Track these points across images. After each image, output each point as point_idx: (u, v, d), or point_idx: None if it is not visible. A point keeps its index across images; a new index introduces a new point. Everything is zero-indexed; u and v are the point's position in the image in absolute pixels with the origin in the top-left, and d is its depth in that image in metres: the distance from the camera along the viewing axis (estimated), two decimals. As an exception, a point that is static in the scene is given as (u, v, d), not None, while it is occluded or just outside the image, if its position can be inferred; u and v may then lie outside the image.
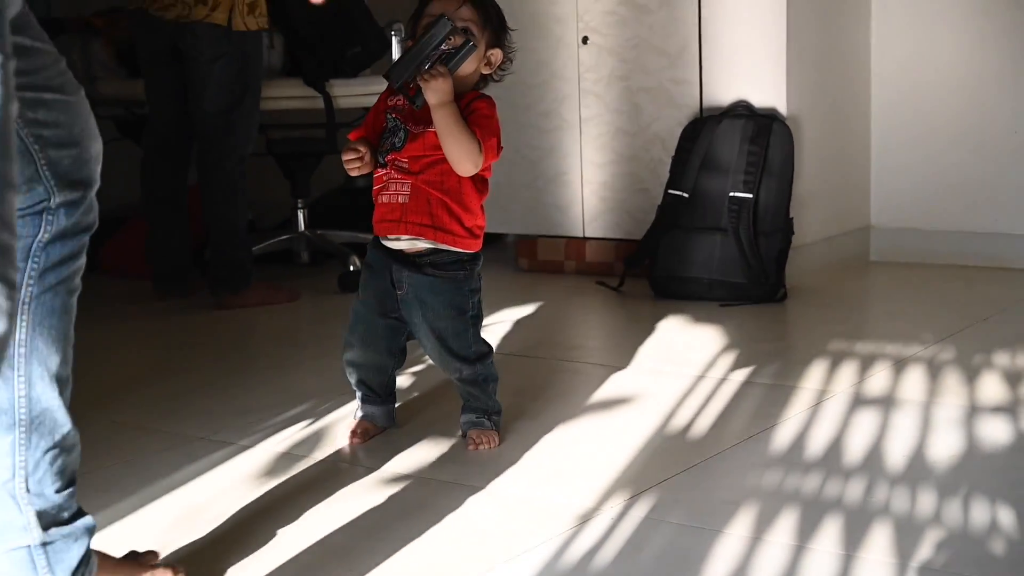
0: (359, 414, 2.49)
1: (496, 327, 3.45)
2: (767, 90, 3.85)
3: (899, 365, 2.83)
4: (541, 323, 3.58)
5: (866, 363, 2.85)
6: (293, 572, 1.85)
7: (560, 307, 3.83)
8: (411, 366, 2.93)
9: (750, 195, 3.69)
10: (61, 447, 1.62)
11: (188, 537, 1.99)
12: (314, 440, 2.49)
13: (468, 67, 2.26)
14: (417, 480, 2.22)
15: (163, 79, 3.90)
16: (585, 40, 4.13)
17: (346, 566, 1.86)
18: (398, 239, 2.32)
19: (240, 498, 2.17)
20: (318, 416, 2.65)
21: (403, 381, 2.83)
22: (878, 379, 2.72)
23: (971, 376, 2.71)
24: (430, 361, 2.70)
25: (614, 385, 2.79)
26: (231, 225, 3.85)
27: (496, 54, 2.33)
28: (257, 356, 3.39)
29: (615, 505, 2.03)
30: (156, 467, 2.35)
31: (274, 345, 3.52)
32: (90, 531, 1.68)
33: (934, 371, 2.77)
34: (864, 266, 4.25)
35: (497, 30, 2.33)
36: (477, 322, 2.38)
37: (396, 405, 2.54)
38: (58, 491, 1.62)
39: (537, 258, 4.36)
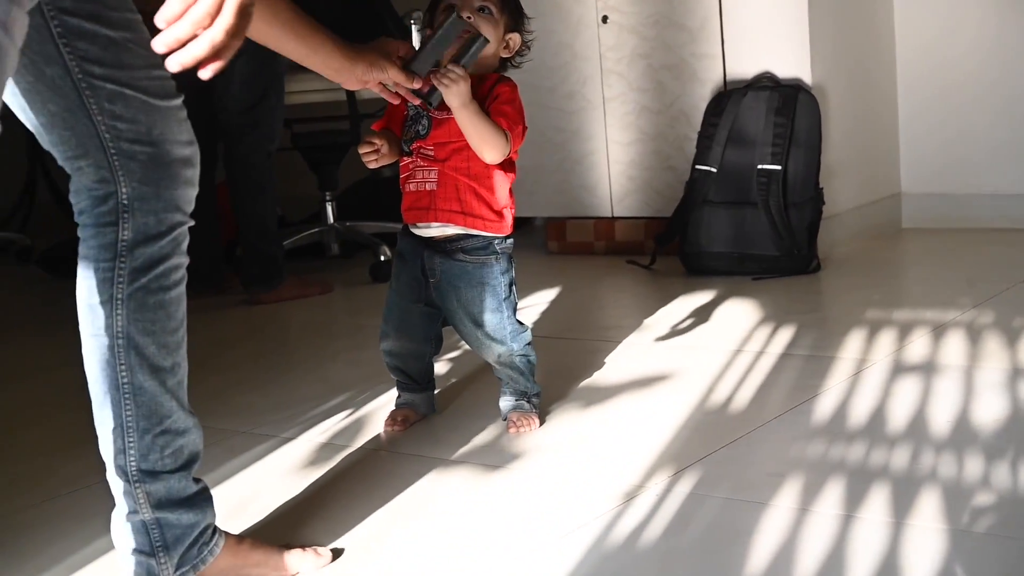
0: (399, 402, 2.49)
1: (529, 310, 3.45)
2: (791, 61, 3.83)
3: (938, 331, 2.81)
4: (574, 304, 3.58)
5: (904, 330, 2.84)
6: (343, 560, 1.86)
7: (592, 288, 3.83)
8: (447, 352, 2.93)
9: (779, 167, 3.68)
10: (169, 430, 1.68)
11: (236, 531, 2.00)
12: (355, 429, 2.50)
13: (487, 50, 2.25)
14: (460, 465, 2.22)
15: (185, 78, 3.90)
16: (605, 19, 4.12)
17: (395, 551, 1.87)
18: (428, 227, 2.32)
19: (285, 490, 2.18)
20: (357, 406, 2.65)
21: (440, 368, 2.84)
22: (917, 346, 2.70)
23: (1012, 339, 2.69)
24: (466, 347, 2.70)
25: (651, 363, 2.79)
26: (261, 221, 3.86)
27: (514, 38, 2.32)
28: (293, 350, 3.40)
29: (660, 482, 2.03)
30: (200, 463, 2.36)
31: (309, 338, 3.53)
32: (208, 512, 1.75)
33: (974, 336, 2.75)
34: (896, 233, 4.22)
35: (515, 14, 2.33)
36: (512, 304, 2.37)
37: (435, 392, 2.54)
38: (171, 471, 1.69)
39: (567, 240, 4.36)
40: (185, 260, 1.71)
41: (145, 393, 1.66)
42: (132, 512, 1.69)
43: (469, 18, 2.22)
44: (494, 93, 2.26)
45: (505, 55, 2.34)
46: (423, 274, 2.35)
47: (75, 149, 1.62)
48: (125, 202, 1.63)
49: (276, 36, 1.82)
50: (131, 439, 1.67)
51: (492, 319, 2.34)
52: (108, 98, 1.60)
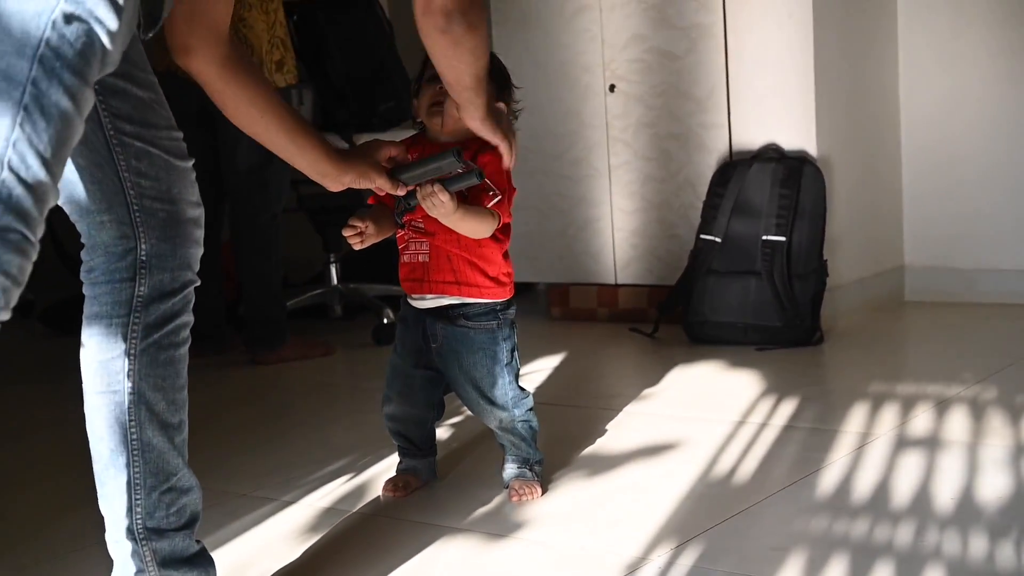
0: (400, 467, 2.48)
1: (531, 376, 3.44)
2: (797, 132, 3.86)
3: (941, 406, 2.80)
4: (576, 371, 3.57)
5: (908, 405, 2.83)
6: (342, 629, 1.85)
7: (595, 355, 3.82)
8: (450, 417, 2.92)
9: (783, 238, 3.69)
10: (175, 488, 1.70)
11: (235, 595, 1.99)
12: (357, 494, 2.48)
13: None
14: (462, 532, 2.21)
15: (193, 139, 3.91)
16: (612, 88, 4.15)
17: (395, 622, 1.85)
18: (423, 298, 2.33)
19: (285, 554, 2.17)
20: (359, 470, 2.64)
21: (443, 433, 2.83)
22: (921, 420, 2.70)
23: (1016, 415, 2.68)
24: (468, 412, 2.70)
25: (654, 432, 2.78)
26: (266, 282, 3.87)
27: (500, 106, 2.29)
28: (295, 411, 3.39)
29: (663, 554, 2.01)
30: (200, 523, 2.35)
31: (311, 400, 3.52)
32: (211, 571, 1.76)
33: (977, 411, 2.74)
34: (899, 306, 4.23)
35: (500, 84, 2.31)
36: (513, 370, 2.37)
37: (437, 457, 2.53)
38: (175, 530, 1.70)
39: (569, 306, 4.36)
40: (192, 319, 1.74)
41: (153, 450, 1.67)
42: (138, 572, 1.69)
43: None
44: (480, 161, 2.25)
45: None
46: (424, 340, 2.35)
47: (99, 204, 1.64)
48: (144, 258, 1.66)
49: (266, 131, 1.84)
50: (138, 496, 1.67)
51: (493, 385, 2.33)
52: (135, 155, 1.64)
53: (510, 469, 2.41)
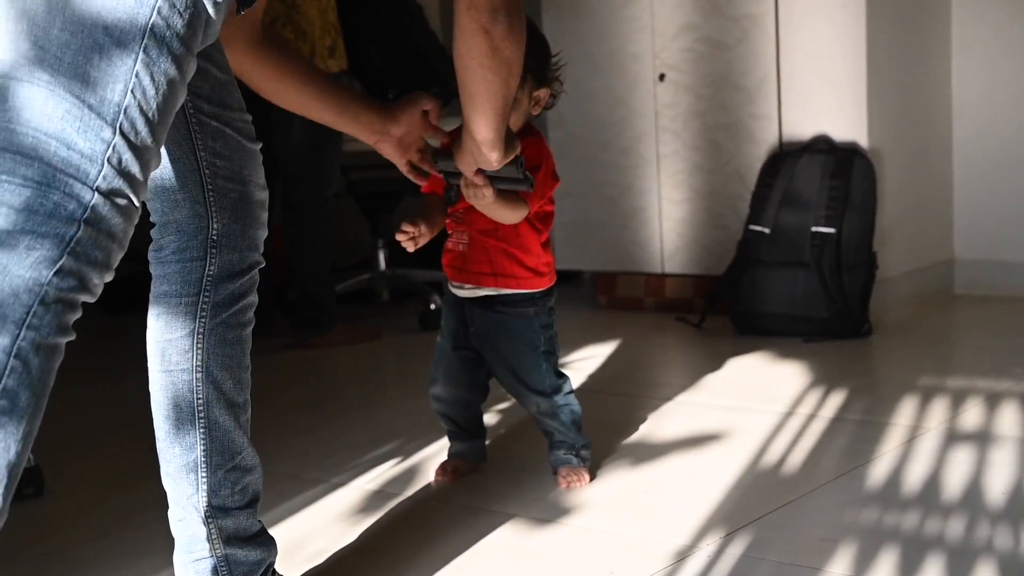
0: (450, 452, 2.50)
1: (577, 364, 3.45)
2: (847, 124, 3.84)
3: (992, 400, 2.79)
4: (623, 360, 3.58)
5: (958, 398, 2.82)
6: (393, 610, 1.86)
7: (641, 343, 3.82)
8: (499, 402, 2.93)
9: (833, 230, 3.67)
10: (240, 467, 1.73)
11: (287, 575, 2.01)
12: (406, 478, 2.50)
13: (516, 121, 2.22)
14: (511, 518, 2.22)
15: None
16: (662, 77, 4.14)
17: (445, 604, 1.87)
18: (462, 287, 2.35)
19: (336, 536, 2.19)
20: (408, 454, 2.66)
21: (491, 418, 2.84)
22: (972, 414, 2.68)
23: (1067, 411, 2.67)
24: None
25: (701, 422, 2.78)
26: (316, 266, 3.90)
27: (542, 94, 2.27)
28: (343, 395, 3.41)
29: (711, 542, 2.02)
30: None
31: (359, 384, 3.55)
32: (272, 550, 1.79)
33: (1028, 406, 2.73)
34: (948, 299, 4.20)
35: (540, 70, 2.26)
36: (551, 356, 2.37)
37: (487, 441, 2.54)
38: (240, 508, 1.73)
39: (616, 294, 4.36)
40: (256, 300, 1.76)
41: (220, 428, 1.70)
42: (200, 550, 1.71)
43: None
44: (522, 146, 2.21)
45: (535, 112, 2.30)
46: (463, 323, 2.37)
47: (175, 181, 1.67)
48: (215, 237, 1.68)
49: (307, 103, 1.98)
50: (204, 474, 1.70)
51: (530, 370, 2.34)
52: (212, 135, 1.66)
53: (556, 455, 2.42)
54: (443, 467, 2.47)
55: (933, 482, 2.26)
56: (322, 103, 2.01)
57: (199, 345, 1.68)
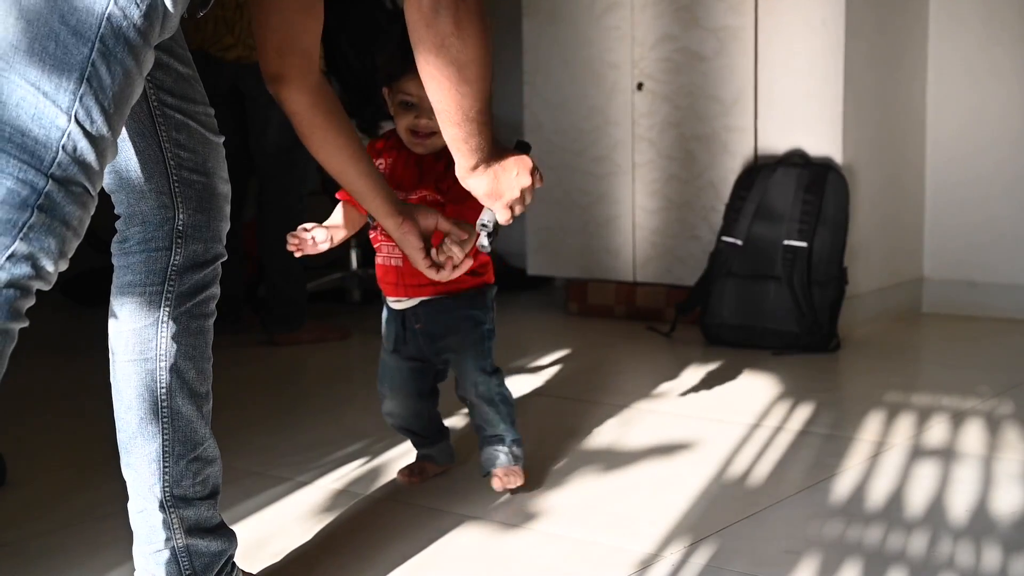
0: (418, 454, 2.49)
1: (547, 370, 3.45)
2: (823, 139, 3.86)
3: (957, 418, 2.81)
4: (592, 367, 3.58)
5: (923, 415, 2.84)
6: (354, 610, 1.86)
7: (610, 351, 3.83)
8: (462, 407, 2.93)
9: (805, 244, 3.69)
10: (201, 458, 1.73)
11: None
12: (370, 478, 2.49)
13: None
14: (476, 521, 2.22)
15: (223, 117, 3.94)
16: (640, 86, 4.15)
17: (407, 605, 1.86)
18: (399, 301, 2.31)
19: (299, 534, 2.18)
20: (374, 454, 2.65)
21: (458, 421, 2.84)
22: (936, 432, 2.70)
23: (1031, 431, 2.69)
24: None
25: (668, 431, 2.78)
26: (288, 263, 3.89)
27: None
28: (310, 393, 3.40)
29: (676, 551, 2.02)
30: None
31: (327, 382, 3.54)
32: (232, 542, 1.79)
33: (993, 425, 2.74)
34: (916, 318, 4.22)
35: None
36: (492, 337, 2.35)
37: (451, 440, 2.53)
38: (201, 499, 1.73)
39: (587, 302, 4.37)
40: (219, 292, 1.78)
41: (183, 418, 1.70)
42: (164, 540, 1.71)
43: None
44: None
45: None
46: (405, 328, 2.33)
47: (141, 173, 1.68)
48: (181, 228, 1.69)
49: (343, 164, 1.95)
50: (167, 464, 1.70)
51: (474, 345, 2.30)
52: (176, 127, 1.67)
53: (488, 452, 2.35)
54: (410, 469, 2.47)
55: (897, 497, 2.27)
56: (355, 171, 1.95)
57: (163, 334, 1.69)
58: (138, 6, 1.39)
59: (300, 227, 2.19)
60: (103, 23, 1.36)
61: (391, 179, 2.25)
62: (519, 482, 2.32)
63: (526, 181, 1.90)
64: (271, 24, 1.79)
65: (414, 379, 2.39)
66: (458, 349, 2.32)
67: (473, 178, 1.86)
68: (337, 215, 2.26)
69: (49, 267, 1.37)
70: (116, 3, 1.37)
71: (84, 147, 1.37)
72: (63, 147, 1.35)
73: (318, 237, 2.18)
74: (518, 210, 1.95)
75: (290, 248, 2.18)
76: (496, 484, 2.32)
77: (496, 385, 2.34)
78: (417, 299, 2.30)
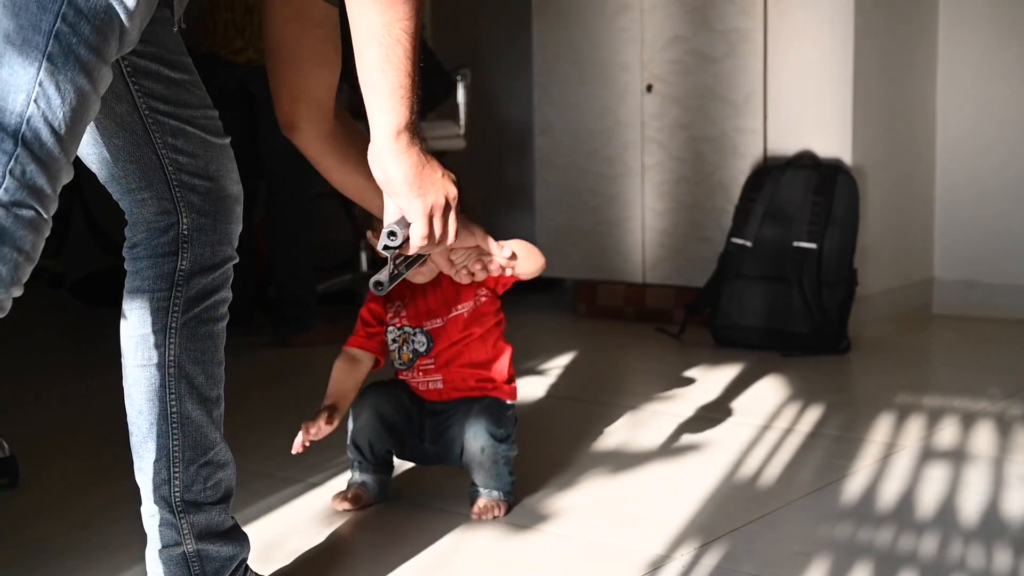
0: (352, 480, 2.37)
1: (556, 372, 3.46)
2: (832, 140, 3.86)
3: (967, 420, 2.80)
4: (601, 368, 3.58)
5: (934, 417, 2.84)
6: (366, 611, 1.86)
7: (620, 353, 3.83)
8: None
9: (814, 245, 3.69)
10: (212, 462, 1.73)
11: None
12: (382, 480, 2.49)
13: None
14: (487, 522, 2.22)
15: (233, 118, 3.97)
16: (649, 88, 4.16)
17: (419, 607, 1.87)
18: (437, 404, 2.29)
19: (311, 536, 2.19)
20: (385, 456, 2.65)
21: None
22: (947, 433, 2.70)
23: (1042, 433, 2.69)
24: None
25: (678, 432, 2.79)
26: (298, 264, 3.90)
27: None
28: (321, 395, 3.39)
29: (686, 553, 2.02)
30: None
31: (337, 384, 3.54)
32: (245, 546, 1.79)
33: (1004, 427, 2.74)
34: (927, 319, 4.22)
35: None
36: (513, 438, 2.27)
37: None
38: (212, 503, 1.73)
39: (596, 303, 4.37)
40: (230, 295, 1.77)
41: (192, 423, 1.69)
42: (174, 545, 1.71)
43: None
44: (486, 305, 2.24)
45: None
46: (410, 421, 2.29)
47: (139, 181, 1.66)
48: (185, 232, 1.68)
49: (362, 199, 1.94)
50: (176, 469, 1.70)
51: (495, 420, 2.21)
52: (171, 133, 1.65)
53: (476, 488, 2.26)
54: (343, 495, 2.33)
55: (907, 499, 2.27)
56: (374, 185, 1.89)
57: (171, 340, 1.68)
58: (89, 21, 1.33)
59: (306, 424, 2.16)
60: (50, 40, 1.30)
61: (417, 318, 2.22)
62: (500, 513, 2.23)
63: (452, 190, 1.59)
64: (285, 76, 1.82)
65: (402, 401, 2.31)
66: (486, 421, 2.21)
67: (392, 153, 1.52)
68: (339, 384, 2.26)
69: (1, 295, 1.32)
70: (64, 19, 1.31)
71: (33, 170, 1.32)
72: (10, 171, 1.30)
73: (323, 424, 2.17)
74: (438, 228, 1.57)
75: (295, 450, 2.16)
76: (474, 513, 2.23)
77: (504, 449, 2.23)
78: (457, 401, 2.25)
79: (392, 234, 1.55)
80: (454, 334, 2.23)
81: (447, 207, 1.57)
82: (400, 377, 2.32)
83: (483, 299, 2.24)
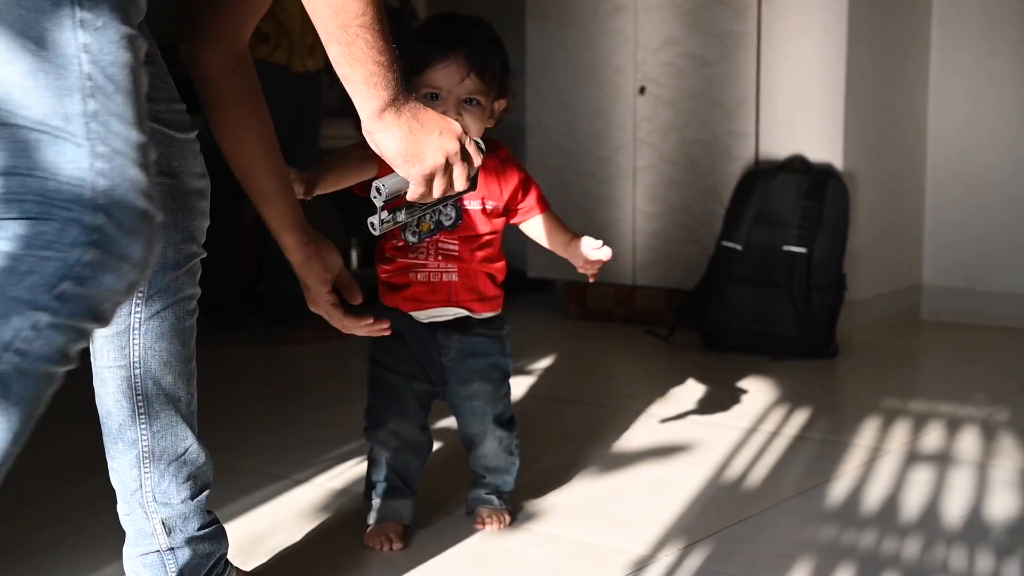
0: (380, 512, 2.13)
1: (545, 372, 3.46)
2: (824, 145, 3.87)
3: (953, 425, 2.81)
4: (590, 370, 3.59)
5: (920, 421, 2.84)
6: (349, 607, 1.86)
7: (609, 354, 3.84)
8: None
9: (804, 249, 3.70)
10: (184, 460, 1.70)
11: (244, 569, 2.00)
12: (368, 477, 2.50)
13: (475, 130, 1.98)
14: (471, 521, 2.22)
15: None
16: (642, 90, 4.16)
17: (402, 604, 1.87)
18: (443, 312, 2.09)
19: (295, 533, 2.18)
20: (371, 453, 2.65)
21: (450, 422, 2.84)
22: (932, 438, 2.71)
23: (1027, 439, 2.70)
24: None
25: (665, 434, 2.79)
26: (287, 262, 3.88)
27: (500, 104, 2.07)
28: (310, 392, 3.41)
29: (670, 553, 2.03)
30: (210, 500, 2.36)
31: (326, 381, 3.54)
32: (223, 542, 1.76)
33: (989, 432, 2.75)
34: (915, 324, 4.23)
35: (502, 83, 2.05)
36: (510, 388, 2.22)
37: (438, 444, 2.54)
38: (184, 500, 1.70)
39: (586, 305, 4.38)
40: (198, 291, 1.72)
41: (160, 422, 1.68)
42: (148, 544, 1.70)
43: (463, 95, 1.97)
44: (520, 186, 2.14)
45: (490, 126, 2.07)
46: (427, 353, 2.10)
47: None
48: None
49: (251, 153, 1.77)
50: (147, 469, 1.68)
51: (499, 399, 2.17)
52: None
53: (478, 495, 2.21)
54: (383, 537, 2.10)
55: (892, 503, 2.28)
56: (264, 165, 1.79)
57: (135, 341, 1.65)
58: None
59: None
60: (78, 33, 1.20)
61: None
62: (504, 524, 2.18)
63: (452, 145, 1.52)
64: None
65: (421, 404, 2.14)
66: (487, 397, 2.13)
67: (381, 131, 1.47)
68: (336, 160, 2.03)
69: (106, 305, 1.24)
70: (80, 16, 1.21)
71: (120, 164, 1.21)
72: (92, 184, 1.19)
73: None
74: (439, 187, 1.54)
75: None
76: (477, 525, 2.18)
77: (515, 437, 2.20)
78: (462, 311, 2.09)
79: (378, 191, 1.59)
80: (480, 225, 2.08)
81: (447, 167, 1.53)
82: (398, 265, 2.08)
83: (498, 220, 2.11)
